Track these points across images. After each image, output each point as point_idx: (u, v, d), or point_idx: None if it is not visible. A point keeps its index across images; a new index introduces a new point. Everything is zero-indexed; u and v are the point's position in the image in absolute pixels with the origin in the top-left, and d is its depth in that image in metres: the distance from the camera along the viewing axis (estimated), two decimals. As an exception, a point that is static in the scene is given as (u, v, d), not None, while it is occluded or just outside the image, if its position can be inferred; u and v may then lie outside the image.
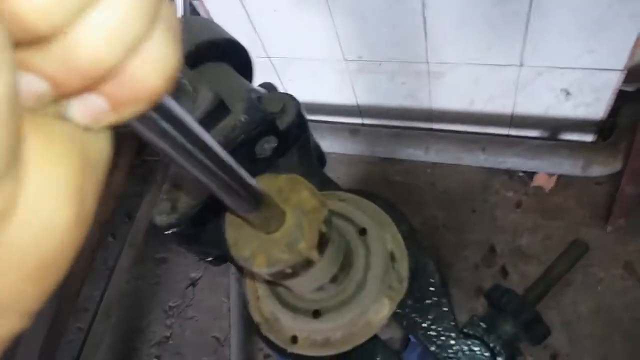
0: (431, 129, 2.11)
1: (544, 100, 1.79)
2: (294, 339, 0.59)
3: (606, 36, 1.46)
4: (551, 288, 0.62)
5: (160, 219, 0.68)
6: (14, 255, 0.18)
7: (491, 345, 0.59)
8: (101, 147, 0.22)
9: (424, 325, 0.61)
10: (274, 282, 0.58)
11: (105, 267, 2.35)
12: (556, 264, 0.63)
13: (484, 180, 2.12)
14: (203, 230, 0.71)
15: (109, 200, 1.83)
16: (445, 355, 0.60)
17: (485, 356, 0.59)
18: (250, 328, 2.02)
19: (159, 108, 0.24)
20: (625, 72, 1.57)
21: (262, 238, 0.45)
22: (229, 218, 0.46)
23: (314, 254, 0.45)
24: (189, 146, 0.28)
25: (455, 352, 0.59)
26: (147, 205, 1.97)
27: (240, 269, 0.67)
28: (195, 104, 0.63)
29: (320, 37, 1.79)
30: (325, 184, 0.73)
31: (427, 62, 1.76)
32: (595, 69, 1.59)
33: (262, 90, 0.75)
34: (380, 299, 0.58)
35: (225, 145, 0.63)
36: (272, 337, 0.60)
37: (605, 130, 1.86)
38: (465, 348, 0.59)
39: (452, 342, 0.60)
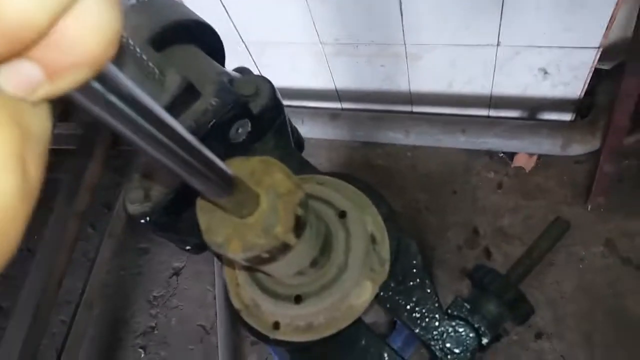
0: (411, 112, 2.10)
1: (522, 80, 1.79)
2: (276, 325, 0.58)
3: (582, 14, 1.46)
4: (534, 267, 0.61)
5: (133, 208, 0.66)
6: None
7: (476, 325, 0.58)
8: (42, 120, 0.20)
9: (408, 307, 0.60)
10: (252, 268, 0.57)
11: (86, 259, 2.32)
12: (538, 242, 0.62)
13: (465, 162, 2.12)
14: (179, 219, 0.69)
15: (86, 191, 1.79)
16: (430, 336, 0.59)
17: (470, 337, 0.58)
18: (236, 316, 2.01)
19: (103, 79, 0.22)
20: (601, 49, 1.57)
21: (236, 223, 0.43)
22: (200, 203, 0.44)
23: (291, 238, 0.44)
24: (141, 122, 0.26)
25: (440, 334, 0.59)
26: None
27: (218, 256, 0.66)
28: (163, 88, 0.60)
29: (295, 20, 1.76)
30: (303, 168, 0.71)
31: (405, 44, 1.74)
32: (572, 47, 1.59)
33: (234, 73, 0.73)
34: (362, 282, 0.57)
35: (196, 130, 0.61)
36: (253, 324, 0.58)
37: (583, 109, 1.87)
38: (450, 329, 0.59)
39: (437, 323, 0.59)
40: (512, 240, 1.95)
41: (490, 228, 1.99)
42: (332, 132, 2.07)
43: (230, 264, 0.62)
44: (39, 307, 1.63)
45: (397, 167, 2.18)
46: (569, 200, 1.97)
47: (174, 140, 0.30)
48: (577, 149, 1.79)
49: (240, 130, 0.67)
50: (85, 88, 0.21)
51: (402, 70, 1.88)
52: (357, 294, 0.57)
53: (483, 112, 2.01)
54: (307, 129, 2.05)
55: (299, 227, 0.44)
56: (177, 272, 2.25)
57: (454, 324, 0.59)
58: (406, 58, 1.81)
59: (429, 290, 0.61)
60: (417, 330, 0.60)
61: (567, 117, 1.90)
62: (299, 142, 0.85)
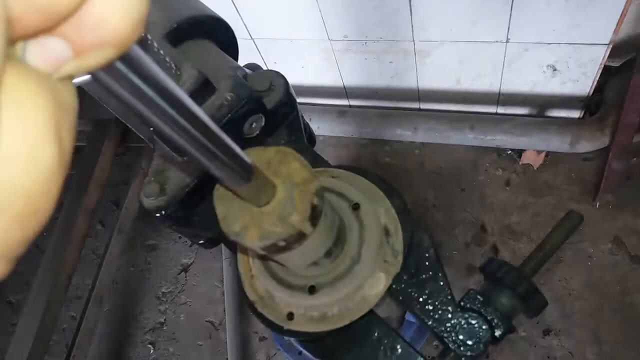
0: (419, 109, 2.10)
1: (531, 77, 1.79)
2: (290, 316, 0.58)
3: (593, 10, 1.45)
4: (547, 259, 0.61)
5: (149, 202, 0.66)
6: (2, 195, 0.18)
7: (489, 317, 0.59)
8: (70, 92, 0.21)
9: (421, 299, 0.61)
10: (267, 258, 0.57)
11: (95, 256, 2.34)
12: (551, 235, 0.63)
13: (473, 159, 2.12)
14: (193, 213, 0.70)
15: (95, 187, 1.81)
16: (443, 329, 0.59)
17: (483, 329, 0.58)
18: (245, 311, 2.02)
19: (128, 60, 0.23)
20: (611, 46, 1.57)
21: (253, 211, 0.43)
22: (218, 192, 0.45)
23: (307, 227, 0.44)
24: (164, 105, 0.27)
25: (453, 326, 0.59)
26: (134, 192, 1.95)
27: (233, 247, 0.66)
28: (179, 83, 0.61)
29: (304, 17, 1.76)
30: (316, 162, 0.71)
31: (413, 41, 1.75)
32: (582, 43, 1.59)
33: (247, 69, 0.73)
34: (375, 273, 0.57)
35: (212, 124, 0.61)
36: (267, 315, 0.59)
37: (592, 106, 1.87)
38: (463, 321, 0.59)
39: (450, 315, 0.60)
40: (519, 238, 1.96)
41: (498, 225, 1.99)
42: (340, 129, 2.07)
43: (246, 253, 0.63)
44: (49, 303, 1.65)
45: (405, 164, 2.18)
46: (577, 198, 1.96)
47: (196, 126, 0.30)
48: (586, 146, 1.79)
49: (254, 125, 0.68)
50: (110, 68, 0.22)
51: (410, 66, 1.88)
52: (370, 285, 0.58)
53: (491, 109, 2.00)
54: (315, 126, 2.06)
55: (314, 216, 0.45)
56: (185, 269, 2.26)
57: (466, 316, 0.60)
58: (415, 55, 1.81)
59: (441, 283, 0.62)
60: (429, 323, 0.61)
61: (575, 114, 1.90)
62: (311, 137, 0.86)
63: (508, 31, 1.60)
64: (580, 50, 1.61)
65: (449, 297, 0.61)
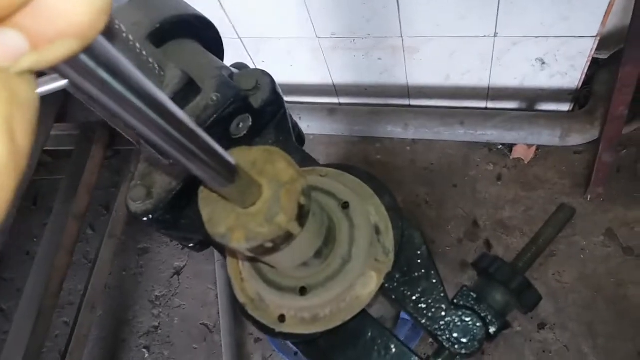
0: (409, 106, 2.10)
1: (519, 71, 1.79)
2: (282, 318, 0.57)
3: (579, 2, 1.45)
4: (540, 254, 0.61)
5: (135, 206, 0.65)
6: None
7: (483, 314, 0.58)
8: (29, 87, 0.20)
9: (414, 298, 0.60)
10: (256, 260, 0.56)
11: (86, 261, 2.32)
12: (544, 229, 0.62)
13: (464, 155, 2.12)
14: (181, 216, 0.69)
15: (84, 192, 1.79)
16: (437, 327, 0.59)
17: (478, 326, 0.58)
18: (239, 313, 2.01)
19: (94, 53, 0.22)
20: (599, 38, 1.57)
21: (238, 213, 0.42)
22: (202, 194, 0.44)
23: (294, 227, 0.44)
24: (135, 101, 0.26)
25: (447, 324, 0.59)
26: (124, 195, 1.93)
27: (222, 250, 0.65)
28: (163, 84, 0.60)
29: (291, 15, 1.75)
30: (305, 162, 0.71)
31: (402, 37, 1.74)
32: (570, 36, 1.59)
33: (233, 69, 0.72)
34: (366, 272, 0.57)
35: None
36: (258, 317, 0.58)
37: (581, 98, 1.87)
38: (457, 319, 0.58)
39: (443, 313, 0.59)
40: (512, 232, 1.96)
41: (491, 220, 1.99)
42: (330, 127, 2.07)
43: (234, 256, 0.62)
44: (41, 309, 1.63)
45: (396, 161, 2.18)
46: (568, 191, 1.97)
47: (172, 123, 0.29)
48: (576, 139, 1.79)
49: (241, 125, 0.67)
50: (75, 63, 0.21)
51: (399, 63, 1.88)
52: (362, 285, 0.57)
53: (481, 104, 2.00)
54: (305, 125, 2.05)
55: (302, 215, 0.44)
56: (178, 272, 2.25)
57: (460, 313, 0.59)
58: (403, 51, 1.81)
59: (434, 281, 0.61)
60: (423, 321, 0.60)
61: (565, 107, 1.90)
62: (300, 136, 0.85)
63: (496, 25, 1.60)
64: (568, 43, 1.61)
65: (442, 295, 0.60)
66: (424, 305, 0.60)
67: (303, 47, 1.90)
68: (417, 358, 0.60)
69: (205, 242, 0.79)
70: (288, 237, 0.44)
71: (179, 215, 0.69)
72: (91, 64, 0.22)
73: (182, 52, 0.67)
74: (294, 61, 2.00)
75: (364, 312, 0.59)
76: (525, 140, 1.88)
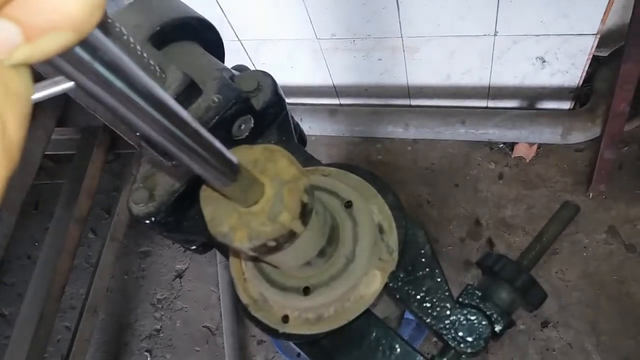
0: (409, 106, 2.10)
1: (520, 69, 1.79)
2: (285, 319, 0.57)
3: (579, 0, 1.45)
4: (545, 251, 0.61)
5: (138, 209, 0.65)
6: None
7: (488, 313, 0.58)
8: (22, 79, 0.19)
9: (418, 297, 0.60)
10: (259, 259, 0.56)
11: (88, 264, 2.32)
12: (548, 227, 0.62)
13: (465, 154, 2.12)
14: (184, 218, 0.69)
15: (86, 195, 1.79)
16: (442, 326, 0.58)
17: (483, 324, 0.57)
18: (242, 315, 2.01)
19: (91, 47, 0.21)
20: (599, 36, 1.57)
21: (241, 212, 0.42)
22: (204, 193, 0.44)
23: (297, 225, 0.43)
24: (135, 98, 0.25)
25: (452, 323, 0.58)
26: (125, 199, 1.93)
27: (225, 251, 0.65)
28: (164, 86, 0.60)
29: (291, 17, 1.75)
30: (307, 162, 0.70)
31: (402, 37, 1.74)
32: (570, 34, 1.58)
33: (234, 71, 0.72)
34: (370, 271, 0.56)
35: (199, 127, 0.60)
36: (262, 318, 0.58)
37: (582, 96, 1.87)
38: (462, 318, 0.58)
39: (448, 312, 0.59)
40: (514, 231, 1.95)
41: (493, 219, 1.99)
42: (331, 128, 2.06)
43: (237, 256, 0.61)
44: (43, 314, 1.63)
45: (398, 162, 2.18)
46: (570, 189, 1.96)
47: (173, 120, 0.29)
48: (578, 136, 1.79)
49: (243, 127, 0.67)
50: (70, 56, 0.21)
51: (399, 63, 1.88)
52: (366, 284, 0.57)
53: (482, 103, 2.00)
54: (305, 126, 2.04)
55: (305, 214, 0.44)
56: (180, 274, 2.25)
57: (465, 312, 0.59)
58: (403, 51, 1.81)
59: (438, 279, 0.61)
60: (428, 320, 0.60)
61: (566, 105, 1.90)
62: (302, 137, 0.85)
63: (496, 24, 1.60)
64: (568, 41, 1.61)
65: (447, 294, 0.60)
66: (428, 304, 0.60)
67: (303, 48, 1.90)
68: (422, 358, 0.59)
69: (207, 244, 0.78)
70: (291, 236, 0.44)
71: (182, 218, 0.68)
72: (87, 58, 0.22)
73: (183, 54, 0.66)
74: (294, 63, 2.00)
75: (368, 312, 0.58)
76: (526, 138, 1.88)
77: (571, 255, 1.87)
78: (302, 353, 1.50)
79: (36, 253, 1.79)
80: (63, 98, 1.78)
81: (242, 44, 1.94)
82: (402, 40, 1.76)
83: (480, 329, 0.58)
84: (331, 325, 0.56)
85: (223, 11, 1.78)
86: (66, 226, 1.74)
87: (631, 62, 1.48)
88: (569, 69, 1.73)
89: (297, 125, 0.83)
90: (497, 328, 0.59)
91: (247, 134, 0.68)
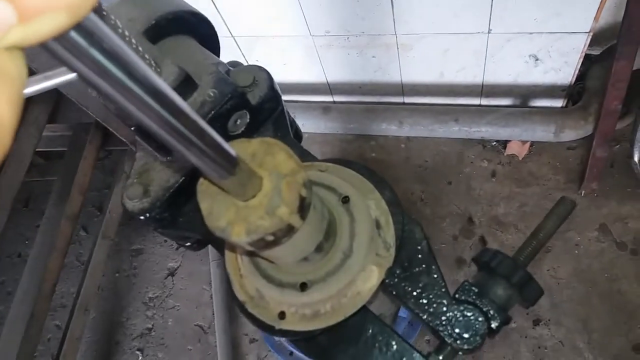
0: (403, 103, 2.10)
1: (513, 67, 1.79)
2: (282, 315, 0.57)
3: (573, -2, 1.46)
4: (541, 247, 0.60)
5: (132, 205, 0.64)
6: None
7: (485, 309, 0.58)
8: (15, 61, 0.19)
9: (415, 293, 0.59)
10: (256, 254, 0.56)
11: (79, 262, 2.31)
12: (544, 223, 0.62)
13: (459, 152, 2.12)
14: (179, 214, 0.68)
15: (77, 193, 1.77)
16: (438, 322, 0.58)
17: (480, 321, 0.57)
18: (234, 314, 2.00)
19: (86, 31, 0.21)
20: (592, 34, 1.57)
21: (238, 206, 0.42)
22: (201, 186, 0.43)
23: (295, 219, 0.43)
24: (132, 85, 0.25)
25: (449, 319, 0.58)
26: (117, 196, 1.92)
27: (221, 248, 0.65)
28: (160, 79, 0.59)
29: (285, 13, 1.75)
30: (303, 157, 0.70)
31: (396, 34, 1.74)
32: (563, 32, 1.59)
33: (229, 66, 0.72)
34: (367, 266, 0.56)
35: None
36: (258, 315, 0.57)
37: (575, 94, 1.88)
38: (459, 314, 0.58)
39: (445, 309, 0.59)
40: (507, 228, 1.96)
41: (485, 217, 2.00)
42: (324, 125, 2.06)
43: (234, 252, 0.61)
44: (34, 312, 1.61)
45: (391, 159, 2.18)
46: (562, 186, 1.97)
47: (171, 110, 0.29)
48: (570, 134, 1.79)
49: (239, 122, 0.66)
50: (65, 40, 0.20)
51: (393, 60, 1.88)
52: (363, 280, 0.56)
53: (475, 101, 2.00)
54: (299, 123, 2.01)
55: (303, 208, 0.43)
56: (172, 273, 2.23)
57: (462, 308, 0.59)
58: (397, 48, 1.80)
59: (435, 276, 0.60)
60: (424, 317, 0.59)
61: (558, 103, 1.90)
62: (297, 133, 0.85)
63: (490, 22, 1.60)
64: (561, 39, 1.61)
65: (444, 290, 0.60)
66: (425, 301, 0.60)
67: (297, 45, 1.90)
68: (418, 354, 0.59)
69: (202, 240, 0.78)
70: (289, 230, 0.43)
71: (177, 214, 0.68)
72: (82, 41, 0.21)
73: (179, 49, 0.66)
74: (288, 59, 2.00)
75: (364, 309, 0.58)
76: (519, 136, 1.88)
77: (563, 252, 1.87)
78: (294, 351, 1.49)
79: (27, 251, 1.77)
80: (55, 94, 1.76)
81: (235, 40, 1.93)
82: (396, 38, 1.75)
83: (477, 326, 0.58)
84: (328, 322, 0.56)
85: (216, 7, 1.77)
86: (57, 224, 1.73)
87: (623, 60, 1.48)
88: (561, 67, 1.74)
89: (292, 121, 0.83)
90: (494, 324, 0.58)
91: (242, 129, 0.67)
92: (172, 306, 2.18)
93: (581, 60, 1.69)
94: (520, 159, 2.04)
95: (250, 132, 0.68)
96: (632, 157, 1.67)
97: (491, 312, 0.58)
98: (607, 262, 1.84)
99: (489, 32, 1.64)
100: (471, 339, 0.58)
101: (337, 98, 2.17)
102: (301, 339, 0.62)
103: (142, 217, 0.65)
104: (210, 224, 0.42)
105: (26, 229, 2.40)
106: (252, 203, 0.42)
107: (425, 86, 1.98)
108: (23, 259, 1.86)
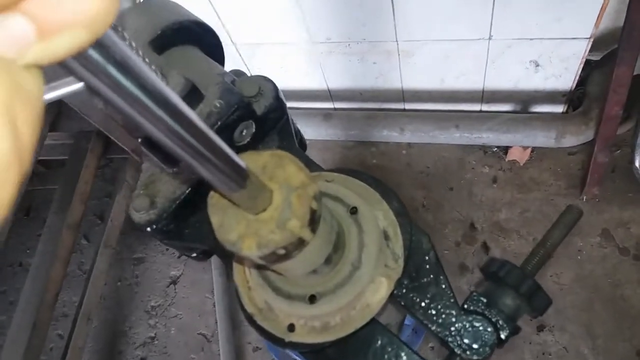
0: (404, 110, 2.10)
1: (514, 73, 1.80)
2: (291, 327, 0.56)
3: (573, 4, 1.46)
4: (549, 256, 0.60)
5: (139, 216, 0.64)
6: None
7: (493, 319, 0.58)
8: (34, 80, 0.19)
9: (423, 304, 0.59)
10: (265, 268, 0.55)
11: (81, 272, 2.30)
12: (552, 231, 0.62)
13: (460, 158, 2.12)
14: (185, 225, 0.68)
15: (79, 201, 1.77)
16: (447, 333, 0.58)
17: (489, 331, 0.57)
18: (237, 322, 1.99)
19: (105, 48, 0.21)
20: (592, 40, 1.58)
21: (249, 219, 0.41)
22: (212, 200, 0.43)
23: (306, 233, 0.43)
24: (148, 102, 0.25)
25: (458, 330, 0.58)
26: (119, 205, 1.91)
27: (228, 260, 0.64)
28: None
29: (286, 20, 1.75)
30: (309, 167, 0.69)
31: (397, 41, 1.74)
32: (563, 38, 1.59)
33: (234, 76, 0.72)
34: (376, 278, 0.56)
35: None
36: (268, 327, 0.57)
37: (575, 100, 1.88)
38: (467, 325, 0.58)
39: (453, 319, 0.58)
40: (509, 234, 1.96)
41: (487, 223, 1.99)
42: (325, 132, 2.06)
43: (241, 264, 0.61)
44: (36, 322, 1.61)
45: (393, 165, 2.17)
46: (563, 192, 1.97)
47: (185, 125, 0.29)
48: (571, 140, 1.80)
49: (244, 132, 0.66)
50: (84, 58, 0.20)
51: (394, 67, 1.88)
52: (372, 291, 0.56)
53: (476, 107, 2.01)
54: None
55: (314, 221, 0.43)
56: (174, 281, 2.23)
57: (470, 319, 0.59)
58: (398, 55, 1.81)
59: (443, 286, 0.60)
60: (433, 328, 0.59)
61: (559, 109, 1.90)
62: (302, 142, 0.84)
63: (490, 28, 1.60)
64: (562, 44, 1.62)
65: (452, 301, 0.59)
66: (433, 312, 0.60)
67: (298, 52, 1.90)
68: (428, 365, 0.59)
69: (208, 251, 0.78)
70: (300, 244, 0.43)
71: (183, 225, 0.68)
72: (100, 59, 0.21)
73: (184, 59, 0.66)
74: (289, 66, 2.00)
75: (373, 320, 0.58)
76: (520, 142, 1.88)
77: (566, 258, 1.87)
78: None
79: (28, 260, 1.76)
80: (56, 102, 1.76)
81: (236, 48, 1.94)
82: (397, 44, 1.76)
83: (486, 336, 0.58)
84: (337, 334, 0.55)
85: (218, 15, 1.77)
86: (59, 232, 1.72)
87: (624, 66, 1.49)
88: (562, 72, 1.74)
89: (297, 130, 0.83)
90: (503, 335, 0.58)
91: (248, 139, 0.67)
92: (174, 315, 2.17)
93: (582, 65, 1.69)
94: (521, 164, 2.04)
95: (255, 142, 0.68)
96: (633, 162, 1.67)
97: (500, 322, 0.58)
98: (609, 267, 1.84)
99: (489, 38, 1.65)
100: (480, 349, 0.58)
101: (338, 105, 2.17)
102: (311, 351, 0.62)
103: (148, 229, 0.65)
104: (221, 238, 0.42)
105: (27, 238, 2.40)
106: (263, 216, 0.41)
107: (426, 92, 1.99)
108: (25, 268, 1.85)
